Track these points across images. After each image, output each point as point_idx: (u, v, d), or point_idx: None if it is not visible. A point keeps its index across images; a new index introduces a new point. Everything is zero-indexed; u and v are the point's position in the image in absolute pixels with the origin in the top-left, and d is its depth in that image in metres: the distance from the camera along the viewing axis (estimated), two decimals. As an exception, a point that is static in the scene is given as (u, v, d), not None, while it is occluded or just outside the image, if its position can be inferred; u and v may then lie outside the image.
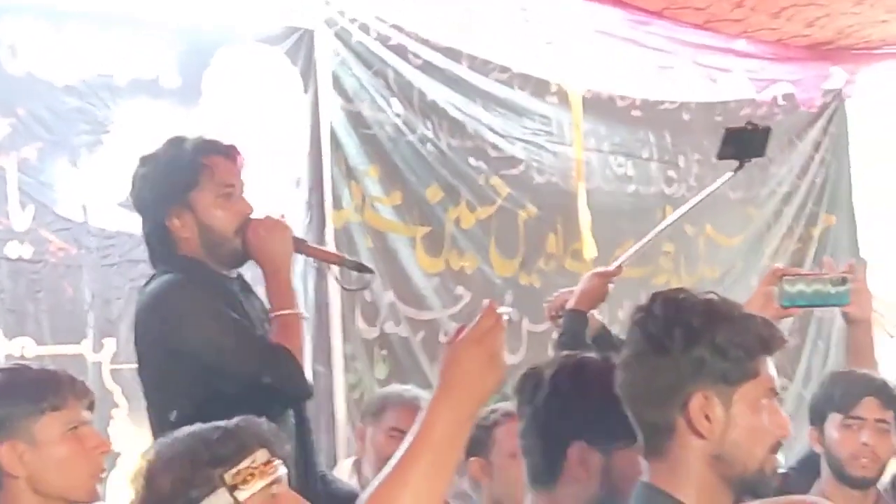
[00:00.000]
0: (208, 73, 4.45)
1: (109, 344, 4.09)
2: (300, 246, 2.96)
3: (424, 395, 3.59)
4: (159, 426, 2.66)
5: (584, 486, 2.05)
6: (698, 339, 1.83)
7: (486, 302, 1.84)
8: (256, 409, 2.01)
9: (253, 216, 2.86)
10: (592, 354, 2.23)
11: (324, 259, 3.41)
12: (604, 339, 3.44)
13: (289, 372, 2.69)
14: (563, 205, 5.65)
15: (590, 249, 5.54)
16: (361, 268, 3.03)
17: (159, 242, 2.85)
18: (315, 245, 2.95)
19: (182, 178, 2.79)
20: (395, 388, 3.94)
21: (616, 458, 2.05)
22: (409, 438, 1.74)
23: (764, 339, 1.86)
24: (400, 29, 4.98)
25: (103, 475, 2.35)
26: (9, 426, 2.26)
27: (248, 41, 4.58)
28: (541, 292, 5.03)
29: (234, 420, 1.96)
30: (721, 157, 3.85)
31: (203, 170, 2.79)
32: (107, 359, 4.06)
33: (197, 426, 1.95)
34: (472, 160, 5.32)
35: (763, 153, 3.87)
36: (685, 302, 1.88)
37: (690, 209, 4.23)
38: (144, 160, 2.90)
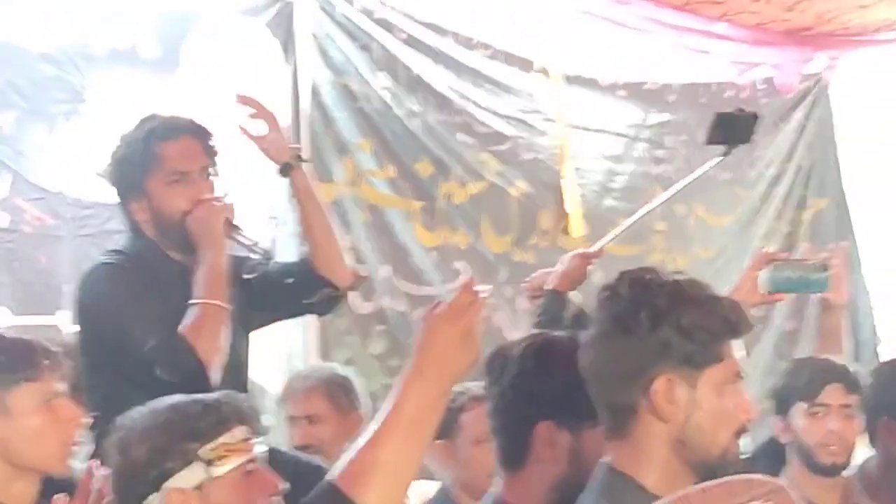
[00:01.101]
0: (187, 43, 4.40)
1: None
2: (231, 232, 2.89)
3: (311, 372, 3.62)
4: (91, 403, 2.61)
5: (553, 466, 2.01)
6: (664, 320, 1.79)
7: (462, 278, 1.81)
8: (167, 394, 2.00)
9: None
10: (561, 333, 2.19)
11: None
12: (581, 320, 3.40)
13: (180, 364, 2.65)
14: (554, 182, 5.60)
15: (577, 228, 5.50)
16: (266, 254, 2.99)
17: (123, 223, 2.93)
18: (241, 234, 2.87)
19: (136, 165, 2.84)
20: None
21: (585, 438, 2.01)
22: (380, 415, 1.71)
23: (731, 323, 1.83)
24: (383, 2, 4.93)
25: (76, 448, 2.33)
26: None
27: (228, 12, 4.52)
28: (535, 269, 4.96)
29: (216, 394, 1.96)
30: (710, 141, 3.83)
31: (155, 157, 2.82)
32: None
33: (177, 397, 1.94)
34: (459, 135, 5.26)
35: (749, 139, 3.85)
36: (652, 283, 1.84)
37: (676, 193, 4.19)
38: (120, 139, 2.92)
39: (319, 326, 4.58)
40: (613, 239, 4.01)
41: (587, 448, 2.00)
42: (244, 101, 3.03)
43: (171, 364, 2.65)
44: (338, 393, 3.51)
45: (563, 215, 5.60)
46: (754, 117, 3.78)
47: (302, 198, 3.03)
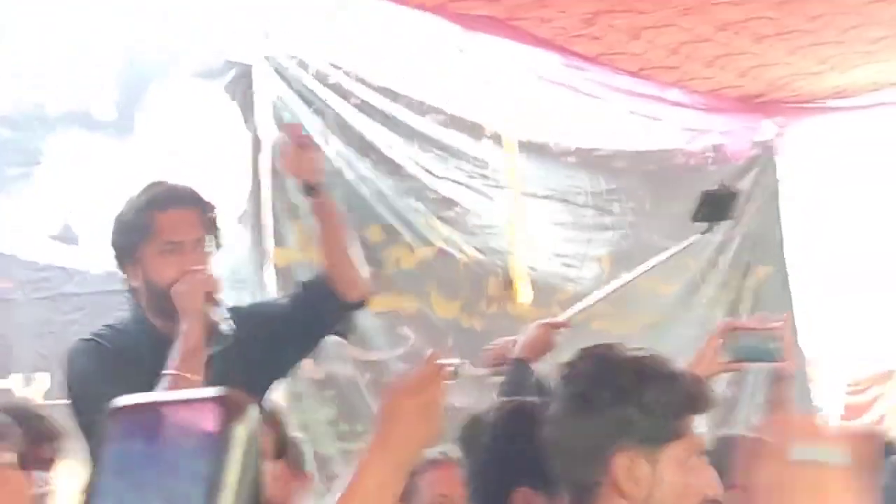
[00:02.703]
0: (144, 105, 4.41)
1: (43, 378, 4.02)
2: (210, 304, 2.84)
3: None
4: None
5: None
6: (626, 398, 1.82)
7: (428, 351, 1.83)
8: None
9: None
10: (532, 399, 2.21)
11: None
12: (542, 389, 3.41)
13: None
14: (502, 247, 5.65)
15: (524, 294, 5.53)
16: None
17: (126, 283, 2.94)
18: (216, 310, 2.87)
19: (132, 232, 2.86)
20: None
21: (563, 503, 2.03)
22: (342, 488, 1.72)
23: (693, 399, 1.86)
24: (337, 67, 4.99)
25: None
26: None
27: (185, 75, 4.55)
28: (484, 335, 5.00)
29: None
30: (696, 219, 3.89)
31: (149, 226, 2.85)
32: (38, 394, 3.98)
33: None
34: (410, 201, 5.31)
35: (731, 216, 3.93)
36: (614, 360, 1.87)
37: (648, 270, 4.23)
38: (123, 205, 2.95)
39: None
40: (583, 310, 4.03)
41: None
42: (288, 129, 3.09)
43: None
44: (293, 454, 3.53)
45: (510, 281, 5.63)
46: (735, 194, 3.86)
47: (325, 217, 3.05)
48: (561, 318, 3.77)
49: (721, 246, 6.70)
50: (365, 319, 5.01)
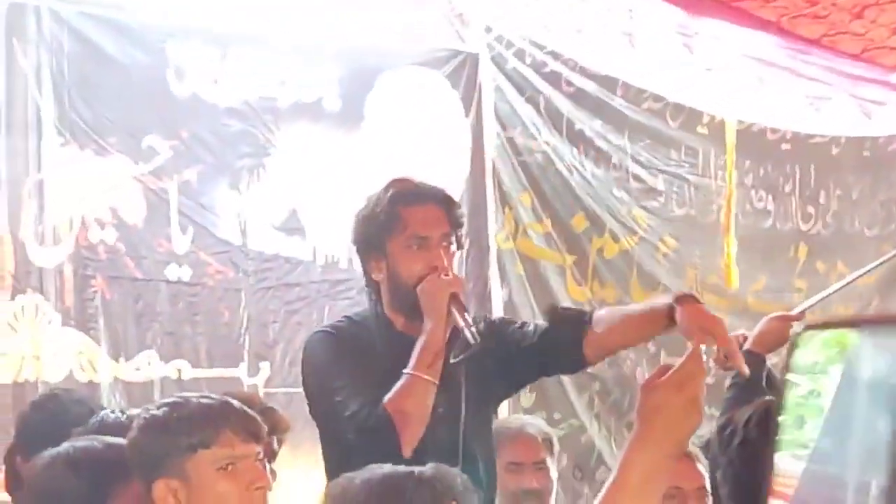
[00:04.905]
0: (370, 95, 4.40)
1: (265, 367, 4.07)
2: (456, 307, 2.83)
3: (531, 422, 3.62)
4: (325, 466, 2.82)
5: None
6: None
7: (690, 345, 1.82)
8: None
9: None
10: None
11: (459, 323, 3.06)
12: (774, 381, 3.32)
13: (373, 431, 2.68)
14: (701, 238, 5.59)
15: (735, 279, 5.44)
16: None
17: (366, 278, 2.93)
18: (461, 312, 2.81)
19: (379, 225, 2.85)
20: (503, 420, 3.84)
21: None
22: (608, 482, 1.71)
23: None
24: (556, 56, 4.95)
25: None
26: (162, 463, 2.25)
27: (409, 65, 4.56)
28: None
29: (429, 469, 1.96)
30: None
31: (397, 219, 2.83)
32: (262, 382, 4.04)
33: (389, 469, 1.95)
34: (615, 191, 5.28)
35: None
36: None
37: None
38: (365, 200, 2.95)
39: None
40: (818, 301, 3.91)
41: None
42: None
43: (366, 431, 2.69)
44: (550, 445, 3.57)
45: (708, 271, 5.58)
46: None
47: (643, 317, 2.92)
48: (796, 310, 3.66)
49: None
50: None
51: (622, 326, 2.90)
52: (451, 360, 2.83)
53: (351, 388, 2.75)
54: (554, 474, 3.52)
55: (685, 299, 2.70)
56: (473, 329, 2.81)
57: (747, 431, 2.08)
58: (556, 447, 3.62)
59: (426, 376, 2.73)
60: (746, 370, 2.55)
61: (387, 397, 2.72)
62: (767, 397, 2.22)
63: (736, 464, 2.09)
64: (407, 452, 2.68)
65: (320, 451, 2.84)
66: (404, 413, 2.70)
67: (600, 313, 2.96)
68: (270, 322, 4.14)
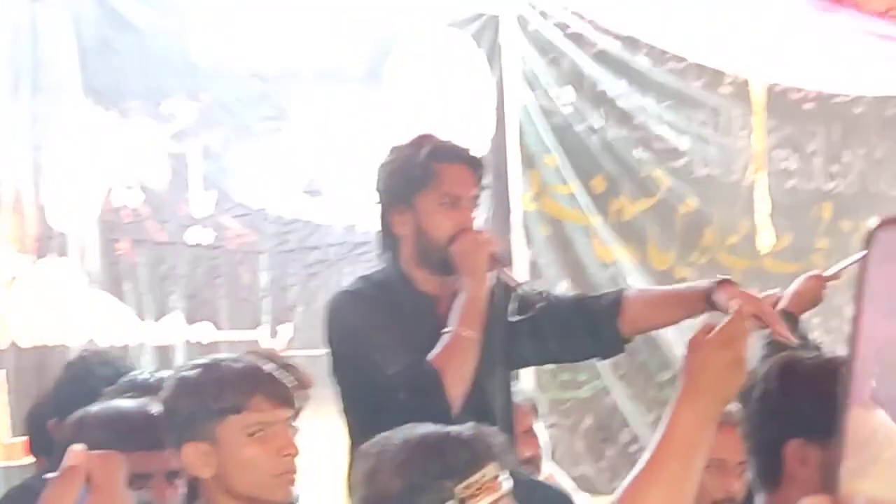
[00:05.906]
0: (393, 56, 4.40)
1: (285, 330, 4.10)
2: (495, 265, 2.88)
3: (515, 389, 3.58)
4: (350, 427, 2.77)
5: (808, 483, 1.98)
6: None
7: (733, 304, 1.82)
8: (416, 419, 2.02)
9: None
10: (803, 353, 2.22)
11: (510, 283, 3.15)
12: (807, 339, 3.33)
13: (425, 389, 2.66)
14: (722, 197, 5.58)
15: (766, 240, 5.42)
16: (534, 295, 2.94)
17: (383, 231, 2.89)
18: (506, 270, 2.86)
19: (410, 179, 2.81)
20: None
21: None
22: (652, 441, 1.71)
23: None
24: (580, 16, 4.93)
25: (294, 476, 2.29)
26: (192, 427, 2.24)
27: (434, 25, 4.55)
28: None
29: (467, 429, 1.94)
30: None
31: (432, 175, 2.80)
32: (282, 345, 4.08)
33: (427, 428, 1.94)
34: (635, 152, 5.27)
35: None
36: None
37: None
38: (391, 151, 2.90)
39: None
40: (854, 262, 3.90)
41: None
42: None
43: (416, 389, 2.66)
44: (535, 411, 3.56)
45: (727, 231, 5.58)
46: None
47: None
48: (831, 271, 3.65)
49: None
50: (594, 269, 5.02)
51: (658, 307, 2.93)
52: (510, 320, 2.86)
53: (391, 346, 2.73)
54: (542, 440, 3.52)
55: (724, 283, 2.74)
56: (525, 287, 2.87)
57: (767, 383, 2.07)
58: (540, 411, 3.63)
59: (471, 334, 2.73)
60: (795, 340, 2.59)
61: (431, 354, 2.71)
62: (788, 351, 2.23)
63: (755, 418, 2.07)
64: (454, 410, 2.68)
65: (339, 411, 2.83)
66: (451, 370, 2.69)
67: (633, 293, 3.00)
68: (290, 285, 4.16)
